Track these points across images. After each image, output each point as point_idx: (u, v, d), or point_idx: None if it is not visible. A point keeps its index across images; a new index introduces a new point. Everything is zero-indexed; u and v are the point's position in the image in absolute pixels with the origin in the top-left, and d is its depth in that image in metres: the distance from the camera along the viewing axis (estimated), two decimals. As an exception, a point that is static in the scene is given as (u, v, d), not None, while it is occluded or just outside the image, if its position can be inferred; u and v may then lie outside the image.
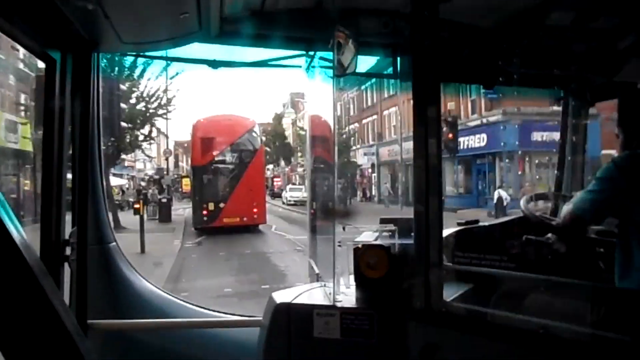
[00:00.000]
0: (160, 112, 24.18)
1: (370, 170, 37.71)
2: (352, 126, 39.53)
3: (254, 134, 22.14)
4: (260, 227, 21.08)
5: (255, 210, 20.50)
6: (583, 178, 3.22)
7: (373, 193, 36.41)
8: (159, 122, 26.77)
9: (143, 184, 36.88)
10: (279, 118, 56.39)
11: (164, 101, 23.43)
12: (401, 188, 27.34)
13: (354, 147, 38.22)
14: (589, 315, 1.97)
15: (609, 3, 2.42)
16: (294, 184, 42.03)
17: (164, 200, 24.52)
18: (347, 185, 34.64)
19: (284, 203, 34.69)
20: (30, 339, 0.81)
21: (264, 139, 52.34)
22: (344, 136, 36.49)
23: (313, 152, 3.08)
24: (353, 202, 33.25)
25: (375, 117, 37.30)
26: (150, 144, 27.58)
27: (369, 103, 38.37)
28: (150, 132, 24.58)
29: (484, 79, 2.87)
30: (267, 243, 18.08)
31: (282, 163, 55.42)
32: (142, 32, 2.45)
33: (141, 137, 24.01)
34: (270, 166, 55.44)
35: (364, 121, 39.37)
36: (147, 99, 22.93)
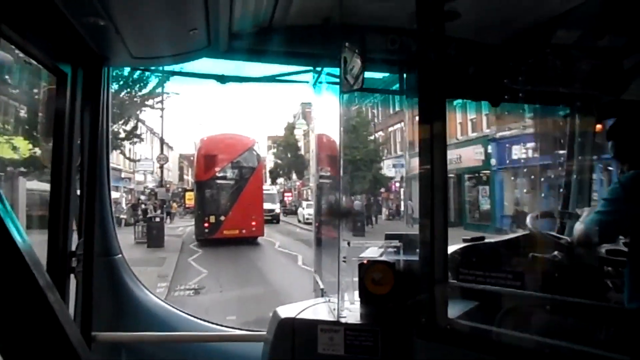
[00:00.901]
0: (151, 102, 19.42)
1: (398, 183, 33.11)
2: (377, 134, 36.03)
3: (253, 152, 22.76)
4: (284, 257, 18.10)
5: (253, 223, 21.10)
6: (590, 195, 3.20)
7: (402, 209, 31.33)
8: (155, 125, 22.64)
9: (143, 197, 35.01)
10: (290, 128, 54.21)
11: (155, 89, 18.75)
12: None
13: (383, 158, 34.71)
14: (597, 335, 1.94)
15: (615, 21, 2.42)
16: (306, 199, 38.65)
17: (156, 219, 18.87)
18: (372, 202, 33.06)
19: (299, 221, 31.77)
20: (34, 351, 0.82)
21: (273, 150, 51.50)
22: (372, 146, 34.26)
23: (319, 167, 3.09)
24: (379, 220, 29.67)
25: (404, 123, 31.36)
26: (133, 143, 23.38)
27: (397, 108, 32.21)
28: (135, 128, 20.50)
29: (489, 95, 2.87)
30: (299, 291, 10.26)
31: (294, 176, 52.41)
32: (152, 48, 2.49)
33: (122, 135, 19.47)
34: (281, 180, 54.22)
35: (391, 129, 34.73)
36: (130, 84, 18.39)
